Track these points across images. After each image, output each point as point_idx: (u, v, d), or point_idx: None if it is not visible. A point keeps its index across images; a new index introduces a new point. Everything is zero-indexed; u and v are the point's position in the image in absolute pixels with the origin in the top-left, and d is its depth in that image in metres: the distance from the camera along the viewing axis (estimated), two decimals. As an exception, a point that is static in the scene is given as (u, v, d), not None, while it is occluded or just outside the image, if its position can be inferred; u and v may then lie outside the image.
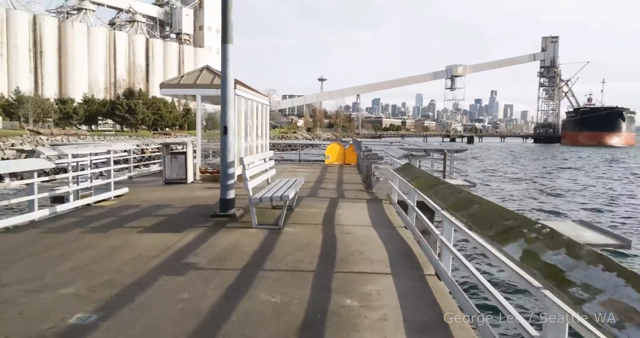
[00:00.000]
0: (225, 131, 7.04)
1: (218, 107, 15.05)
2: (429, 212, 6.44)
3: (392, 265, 4.64)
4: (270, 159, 8.40)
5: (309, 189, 10.74)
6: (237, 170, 11.16)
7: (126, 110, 78.07)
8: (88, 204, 8.17)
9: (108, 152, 8.96)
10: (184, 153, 11.75)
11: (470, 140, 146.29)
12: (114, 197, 9.04)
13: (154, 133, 74.12)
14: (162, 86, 12.04)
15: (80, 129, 78.57)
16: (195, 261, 4.69)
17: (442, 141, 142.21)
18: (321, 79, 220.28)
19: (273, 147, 40.84)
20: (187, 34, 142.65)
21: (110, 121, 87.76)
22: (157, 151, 16.00)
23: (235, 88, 12.01)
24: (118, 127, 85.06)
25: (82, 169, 8.38)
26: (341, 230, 6.31)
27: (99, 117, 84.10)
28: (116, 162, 10.72)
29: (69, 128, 72.86)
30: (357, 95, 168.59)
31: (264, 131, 16.09)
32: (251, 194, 6.23)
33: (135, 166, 15.01)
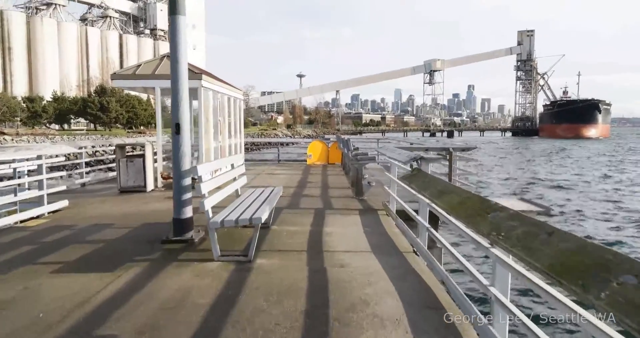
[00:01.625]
0: (177, 129, 5.38)
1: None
2: (433, 221, 4.95)
3: (414, 330, 3.09)
4: (239, 164, 6.78)
5: (290, 197, 9.13)
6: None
7: (98, 108, 75.11)
8: (14, 224, 6.43)
9: (39, 157, 7.19)
10: (142, 156, 10.02)
11: (450, 134, 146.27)
12: (48, 213, 7.30)
13: (128, 132, 71.48)
14: (115, 76, 10.27)
15: (49, 128, 75.39)
16: (114, 333, 3.06)
17: (422, 136, 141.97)
18: (300, 76, 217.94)
19: (250, 146, 38.71)
20: (162, 30, 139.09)
21: (82, 120, 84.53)
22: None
23: (201, 79, 10.36)
24: (92, 126, 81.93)
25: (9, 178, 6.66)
26: (332, 261, 4.73)
27: (71, 116, 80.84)
28: (56, 168, 8.97)
29: (37, 127, 69.72)
30: (337, 91, 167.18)
31: (237, 128, 14.40)
32: (210, 215, 4.60)
33: (92, 171, 13.23)
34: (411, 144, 14.77)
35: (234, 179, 6.31)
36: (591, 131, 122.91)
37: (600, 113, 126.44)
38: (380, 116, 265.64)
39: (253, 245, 4.73)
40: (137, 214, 7.38)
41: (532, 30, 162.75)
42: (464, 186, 8.04)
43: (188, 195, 5.42)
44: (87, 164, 11.97)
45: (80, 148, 11.52)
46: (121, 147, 10.07)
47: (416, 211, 6.12)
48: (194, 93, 10.74)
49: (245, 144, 27.76)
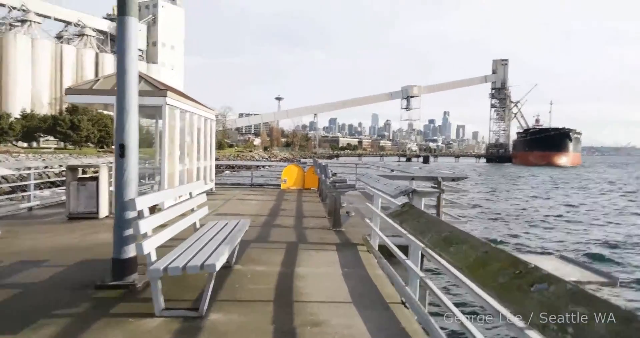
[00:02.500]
0: (122, 152, 4.45)
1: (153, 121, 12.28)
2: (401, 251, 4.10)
3: None
4: (199, 192, 5.85)
5: (260, 227, 8.19)
6: (172, 201, 8.54)
7: (69, 126, 72.97)
8: None
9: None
10: (96, 179, 8.98)
11: (426, 160, 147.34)
12: (-27, 246, 6.20)
13: (99, 151, 69.46)
14: (70, 91, 9.28)
15: (16, 146, 72.69)
16: None
17: (399, 161, 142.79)
18: (278, 98, 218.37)
19: (222, 168, 37.49)
20: (140, 50, 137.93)
21: (52, 138, 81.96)
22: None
23: (166, 96, 9.46)
24: (62, 144, 79.40)
25: None
26: (305, 317, 3.82)
27: (40, 134, 78.29)
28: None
29: (3, 145, 67.06)
30: (315, 114, 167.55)
31: (208, 150, 13.46)
32: (153, 259, 3.66)
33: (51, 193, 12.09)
34: (392, 170, 14.04)
35: (192, 210, 5.37)
36: (562, 159, 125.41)
37: (571, 142, 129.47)
38: (357, 140, 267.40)
39: (206, 296, 3.79)
40: (78, 247, 6.33)
41: (506, 60, 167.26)
42: (455, 223, 7.27)
43: (132, 231, 4.45)
44: (38, 186, 10.82)
45: (29, 168, 10.39)
46: (72, 169, 9.01)
47: (403, 249, 5.30)
48: (158, 112, 9.85)
49: (218, 167, 26.65)
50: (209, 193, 13.65)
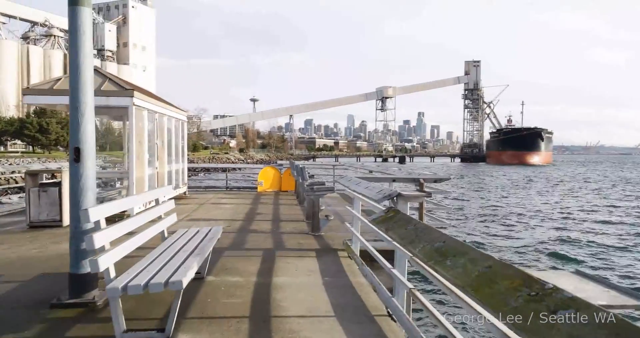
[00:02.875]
0: (77, 156, 4.02)
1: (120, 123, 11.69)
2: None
3: None
4: (167, 199, 5.44)
5: (235, 234, 7.80)
6: (136, 208, 8.09)
7: (37, 129, 70.72)
8: None
9: None
10: (59, 184, 8.44)
11: (402, 160, 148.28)
12: None
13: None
14: (27, 92, 8.72)
15: (-19, 150, 70.08)
16: None
17: (375, 161, 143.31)
18: (253, 100, 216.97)
19: (198, 171, 36.66)
20: (110, 51, 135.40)
21: (20, 142, 79.33)
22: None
23: (132, 96, 8.97)
24: (31, 148, 76.90)
25: None
26: (284, 336, 3.47)
27: (7, 138, 75.69)
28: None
29: (-34, 150, 64.51)
30: (290, 115, 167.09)
31: (179, 153, 12.97)
32: (111, 276, 3.26)
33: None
34: (370, 171, 13.82)
35: (160, 217, 4.96)
36: (535, 158, 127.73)
37: (543, 141, 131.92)
38: (333, 141, 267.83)
39: (173, 315, 3.41)
40: (38, 259, 5.85)
41: (478, 61, 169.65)
42: (439, 226, 7.02)
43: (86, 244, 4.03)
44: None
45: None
46: (32, 174, 8.45)
47: (387, 253, 5.01)
48: (124, 112, 9.35)
49: (192, 170, 26.06)
50: (181, 197, 13.17)
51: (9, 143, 79.32)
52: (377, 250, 5.38)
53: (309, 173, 9.92)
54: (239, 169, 21.71)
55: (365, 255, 5.90)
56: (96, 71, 9.58)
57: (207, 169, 35.33)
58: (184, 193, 13.68)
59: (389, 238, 3.68)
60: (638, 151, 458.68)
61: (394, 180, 6.83)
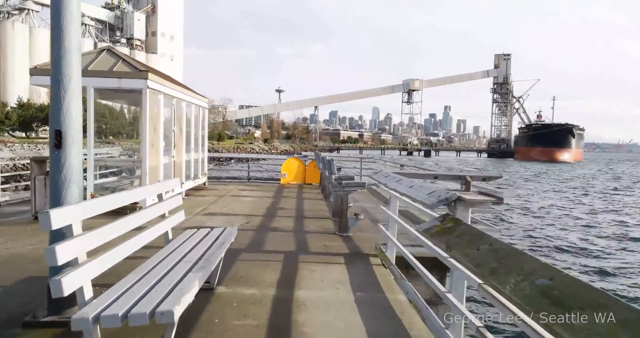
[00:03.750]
0: (59, 141, 3.26)
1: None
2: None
3: None
4: (174, 194, 4.68)
5: (253, 232, 7.02)
6: (148, 200, 7.40)
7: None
8: None
9: None
10: (67, 173, 7.79)
11: (427, 154, 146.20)
12: None
13: (96, 141, 68.11)
14: (35, 72, 8.11)
15: (13, 136, 71.40)
16: None
17: (400, 154, 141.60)
18: (279, 91, 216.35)
19: (220, 161, 35.98)
20: (139, 40, 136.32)
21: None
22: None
23: (147, 78, 8.25)
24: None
25: None
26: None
27: (37, 124, 76.91)
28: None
29: (-1, 134, 65.72)
30: (315, 107, 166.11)
31: (199, 141, 12.28)
32: (86, 297, 2.49)
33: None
34: (401, 166, 12.90)
35: (164, 216, 4.19)
36: (565, 155, 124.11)
37: (574, 138, 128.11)
38: (357, 133, 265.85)
39: (166, 348, 2.62)
40: (30, 258, 5.18)
41: (508, 54, 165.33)
42: (488, 231, 6.10)
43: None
44: (14, 179, 9.66)
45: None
46: (39, 161, 7.83)
47: (427, 261, 4.16)
48: (138, 96, 8.64)
49: (215, 159, 25.44)
50: (200, 188, 12.50)
51: (40, 130, 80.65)
52: (416, 257, 4.55)
53: (338, 167, 9.07)
54: (262, 159, 20.86)
55: (402, 262, 5.09)
56: (109, 50, 8.92)
57: (229, 159, 34.58)
58: (204, 183, 13.01)
59: (456, 263, 2.80)
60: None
61: (435, 177, 5.94)
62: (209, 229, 4.54)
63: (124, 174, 10.97)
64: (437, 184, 6.10)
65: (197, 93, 12.40)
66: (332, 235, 7.03)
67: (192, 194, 11.28)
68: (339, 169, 10.40)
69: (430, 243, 3.17)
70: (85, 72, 8.09)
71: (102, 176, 10.37)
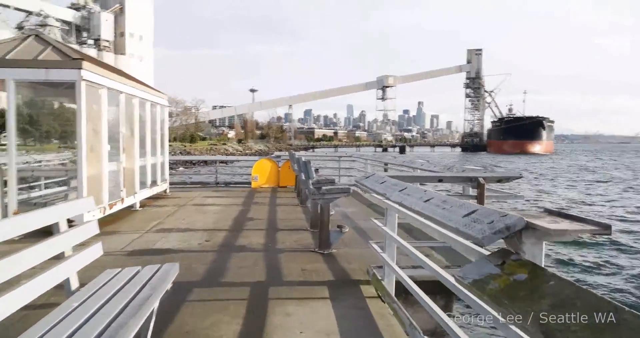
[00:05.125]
0: None
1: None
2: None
3: None
4: (84, 221, 3.32)
5: (212, 254, 5.67)
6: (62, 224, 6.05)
7: (27, 121, 68.44)
8: None
9: None
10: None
11: (402, 150, 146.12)
12: None
13: (60, 147, 65.34)
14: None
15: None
16: None
17: (375, 151, 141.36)
18: (252, 90, 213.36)
19: (184, 164, 33.95)
20: (107, 40, 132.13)
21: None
22: None
23: (81, 68, 6.79)
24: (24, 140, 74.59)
25: None
26: None
27: (-4, 130, 73.45)
28: None
29: (-46, 142, 62.25)
30: (289, 105, 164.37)
31: (157, 144, 10.84)
32: None
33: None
34: (386, 164, 11.72)
35: (60, 257, 2.82)
36: (536, 147, 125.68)
37: (544, 130, 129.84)
38: (332, 131, 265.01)
39: None
40: None
41: (480, 50, 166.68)
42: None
43: None
44: None
45: None
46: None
47: (427, 285, 3.01)
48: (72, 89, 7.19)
49: (175, 163, 23.71)
50: (160, 196, 11.05)
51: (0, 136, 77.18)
52: (415, 281, 3.43)
53: (316, 168, 7.78)
54: (231, 162, 19.33)
55: (399, 287, 3.94)
56: (37, 36, 7.43)
57: (197, 162, 32.37)
58: (164, 191, 11.56)
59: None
60: (637, 140, 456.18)
61: (440, 180, 4.73)
62: (137, 269, 3.19)
63: (65, 186, 9.44)
64: (439, 188, 4.95)
65: (154, 89, 10.96)
66: (312, 253, 5.76)
67: (149, 204, 9.85)
68: (316, 170, 9.14)
69: (495, 313, 1.93)
70: (4, 62, 6.64)
71: (34, 188, 8.87)
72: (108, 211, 7.59)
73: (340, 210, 9.03)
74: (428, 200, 2.67)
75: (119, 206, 8.10)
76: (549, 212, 2.10)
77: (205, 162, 39.06)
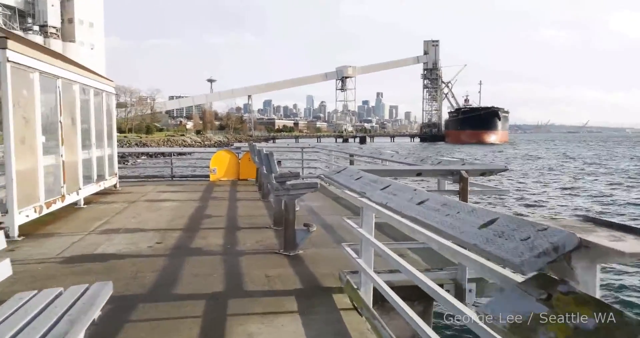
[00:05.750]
0: None
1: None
2: None
3: None
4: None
5: (163, 260, 5.00)
6: None
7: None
8: None
9: None
10: None
11: (363, 140, 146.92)
12: None
13: None
14: None
15: None
16: None
17: (336, 141, 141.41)
18: (210, 80, 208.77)
19: (137, 156, 32.05)
20: (54, 27, 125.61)
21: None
22: None
23: (5, 47, 5.91)
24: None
25: None
26: None
27: None
28: None
29: None
30: (249, 96, 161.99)
31: (104, 135, 9.94)
32: None
33: None
34: (351, 155, 11.22)
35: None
36: (492, 137, 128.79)
37: (499, 120, 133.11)
38: (293, 121, 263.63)
39: None
40: None
41: (437, 41, 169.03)
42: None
43: None
44: None
45: None
46: None
47: (405, 291, 2.57)
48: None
49: (126, 155, 22.30)
50: (109, 192, 10.19)
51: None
52: (393, 287, 2.97)
53: (278, 160, 7.17)
54: (188, 154, 18.30)
55: (378, 296, 3.48)
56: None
57: (148, 154, 30.39)
58: (114, 186, 10.68)
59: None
60: (585, 130, 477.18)
61: (418, 174, 4.24)
62: (58, 291, 2.53)
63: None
64: (416, 183, 4.46)
65: (98, 75, 10.02)
66: (276, 255, 5.19)
67: (95, 201, 9.00)
68: (278, 162, 8.55)
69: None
70: None
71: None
72: (45, 210, 6.75)
73: (305, 205, 8.48)
74: (422, 202, 2.15)
75: (59, 204, 7.26)
76: (594, 222, 1.62)
77: (163, 154, 37.42)
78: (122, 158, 18.40)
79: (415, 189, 2.42)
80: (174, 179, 13.25)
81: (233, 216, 7.62)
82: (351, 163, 10.61)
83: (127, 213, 7.73)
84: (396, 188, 2.64)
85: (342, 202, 8.69)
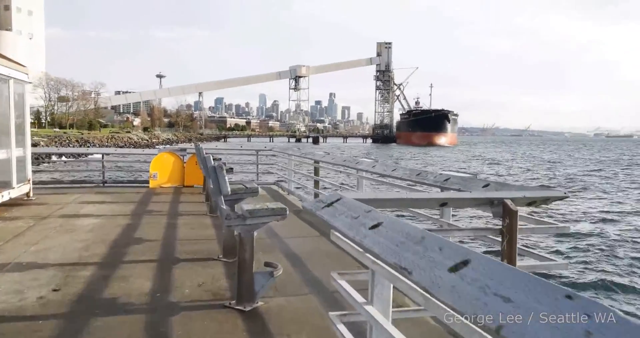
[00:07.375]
0: None
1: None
2: None
3: None
4: None
5: (56, 326, 3.36)
6: None
7: None
8: None
9: None
10: None
11: (316, 140, 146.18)
12: None
13: None
14: None
15: None
16: None
17: (289, 141, 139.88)
18: (159, 76, 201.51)
19: (58, 157, 28.77)
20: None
21: None
22: None
23: None
24: None
25: None
26: None
27: None
28: None
29: None
30: (200, 93, 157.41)
31: (11, 133, 8.01)
32: None
33: None
34: (317, 162, 9.67)
35: None
36: (442, 139, 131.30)
37: (449, 123, 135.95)
38: (245, 120, 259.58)
39: None
40: None
41: (389, 43, 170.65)
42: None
43: None
44: None
45: None
46: None
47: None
48: None
49: (43, 155, 19.76)
50: (18, 203, 8.23)
51: None
52: None
53: (229, 167, 5.58)
54: (123, 155, 16.05)
55: None
56: None
57: (77, 155, 26.10)
58: (27, 195, 8.72)
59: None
60: (527, 133, 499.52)
61: (442, 204, 2.83)
62: None
63: None
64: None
65: (5, 57, 8.06)
66: (226, 309, 3.64)
67: (-6, 216, 7.07)
68: (230, 169, 6.98)
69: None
70: None
71: None
72: None
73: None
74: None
75: None
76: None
77: (86, 155, 33.74)
78: (47, 157, 16.07)
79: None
80: (106, 185, 11.30)
81: (171, 240, 5.95)
82: (316, 170, 9.14)
83: (28, 237, 5.89)
84: (432, 241, 1.21)
85: (307, 218, 7.20)
